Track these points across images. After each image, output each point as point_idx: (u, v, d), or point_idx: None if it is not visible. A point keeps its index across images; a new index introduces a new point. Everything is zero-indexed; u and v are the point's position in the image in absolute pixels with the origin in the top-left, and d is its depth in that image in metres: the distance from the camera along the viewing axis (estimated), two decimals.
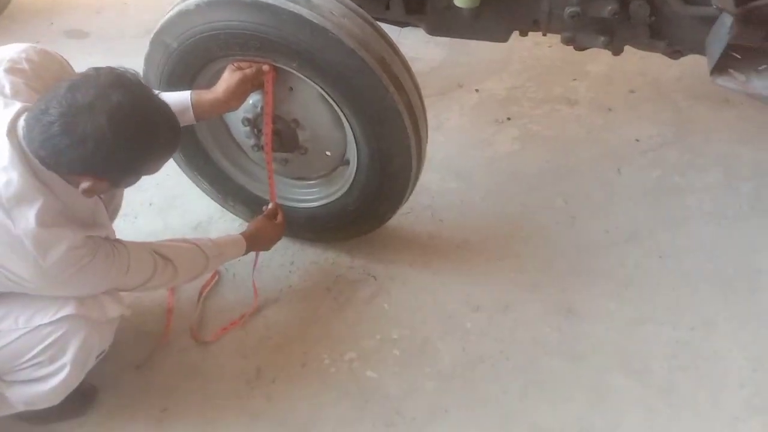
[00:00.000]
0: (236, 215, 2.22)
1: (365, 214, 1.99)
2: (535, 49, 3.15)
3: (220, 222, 2.28)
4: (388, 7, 2.24)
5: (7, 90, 1.38)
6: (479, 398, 1.79)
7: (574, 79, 2.98)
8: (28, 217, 1.29)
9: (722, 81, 1.92)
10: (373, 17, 2.31)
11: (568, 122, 2.75)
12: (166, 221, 2.31)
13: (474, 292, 2.05)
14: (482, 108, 2.84)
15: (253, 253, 1.97)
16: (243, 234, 1.90)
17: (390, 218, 2.04)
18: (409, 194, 1.97)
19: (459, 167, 2.52)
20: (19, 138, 1.30)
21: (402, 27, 2.43)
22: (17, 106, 1.33)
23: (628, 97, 2.89)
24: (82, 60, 3.21)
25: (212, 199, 2.20)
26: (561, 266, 2.14)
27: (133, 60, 3.09)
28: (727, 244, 2.20)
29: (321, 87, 1.71)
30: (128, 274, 1.52)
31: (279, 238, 2.00)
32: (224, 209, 2.23)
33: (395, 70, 1.69)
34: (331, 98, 1.73)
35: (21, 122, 1.31)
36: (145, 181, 2.39)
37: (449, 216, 2.32)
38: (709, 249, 2.18)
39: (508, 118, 2.77)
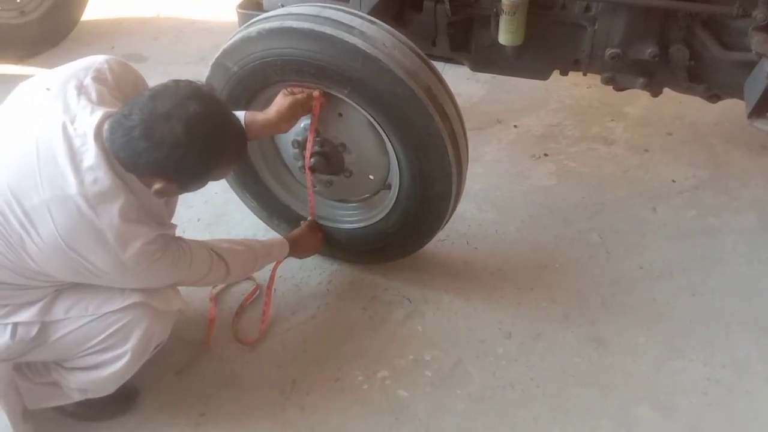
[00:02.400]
0: (280, 234, 2.30)
1: (403, 238, 2.06)
2: (573, 89, 3.23)
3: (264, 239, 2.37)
4: (434, 44, 2.35)
5: (94, 97, 1.49)
6: (508, 422, 1.82)
7: (612, 120, 3.04)
8: (112, 213, 1.39)
9: (760, 124, 1.97)
10: None
11: (605, 161, 2.80)
12: (212, 236, 2.41)
13: (506, 319, 2.09)
14: (520, 143, 2.92)
15: (292, 268, 2.05)
16: (287, 238, 2.06)
17: (427, 243, 2.10)
18: (447, 221, 2.04)
19: (495, 198, 2.58)
20: (104, 140, 1.41)
21: (446, 63, 2.53)
22: (102, 111, 1.45)
23: (665, 139, 2.94)
24: None
25: (258, 217, 2.29)
26: (593, 299, 2.17)
27: None
28: (761, 285, 2.21)
29: (369, 113, 1.81)
30: (190, 268, 1.63)
31: (317, 250, 2.16)
32: (269, 228, 2.32)
33: (440, 100, 1.78)
34: (379, 124, 1.82)
35: (106, 126, 1.42)
36: (194, 197, 2.57)
37: (484, 245, 2.37)
38: (742, 290, 2.19)
39: (545, 154, 2.83)
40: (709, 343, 2.02)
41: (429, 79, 1.77)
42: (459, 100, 3.14)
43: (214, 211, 2.53)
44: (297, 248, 2.05)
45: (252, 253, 1.87)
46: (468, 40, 2.34)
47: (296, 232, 2.11)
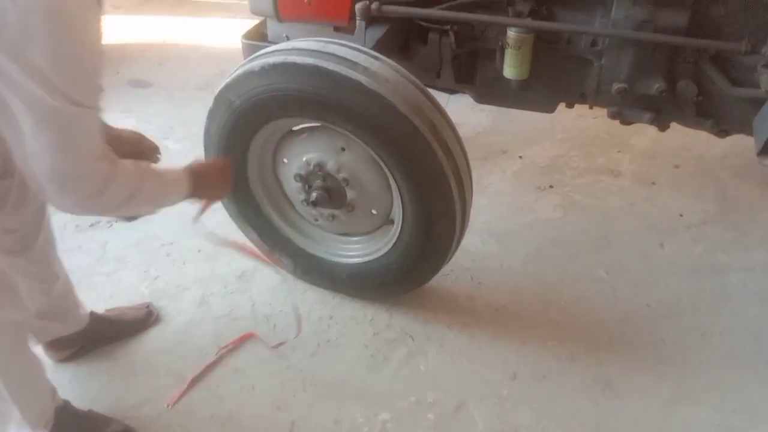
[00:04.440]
0: (280, 267, 2.27)
1: (406, 273, 2.02)
2: (579, 120, 3.21)
3: (264, 272, 2.33)
4: (439, 76, 2.33)
5: None
6: None
7: (618, 151, 3.02)
8: None
9: None
10: (424, 84, 2.45)
11: (611, 193, 2.77)
12: (213, 268, 2.38)
13: (511, 358, 2.04)
14: (525, 174, 2.88)
15: (293, 302, 2.00)
16: (186, 168, 1.66)
17: (430, 279, 2.06)
18: (451, 257, 2.00)
19: (500, 231, 2.55)
20: None
21: (451, 94, 2.51)
22: None
23: (672, 171, 2.91)
24: (145, 108, 3.42)
25: (259, 249, 2.26)
26: (600, 338, 2.12)
27: (192, 109, 3.29)
28: None
29: (372, 149, 1.78)
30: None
31: (225, 190, 1.87)
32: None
33: (445, 136, 1.75)
34: (382, 160, 1.80)
35: None
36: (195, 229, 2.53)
37: (488, 279, 2.33)
38: (753, 330, 2.14)
39: (551, 186, 2.80)
40: (719, 387, 1.96)
41: (433, 116, 1.74)
42: (463, 130, 3.15)
43: None
44: (198, 183, 1.65)
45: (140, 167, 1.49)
46: (473, 73, 2.32)
47: (197, 163, 1.73)
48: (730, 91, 1.98)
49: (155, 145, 1.86)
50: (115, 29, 4.36)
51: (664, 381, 1.98)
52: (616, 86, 2.07)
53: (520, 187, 2.80)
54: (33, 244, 1.69)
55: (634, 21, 1.93)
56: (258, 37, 2.34)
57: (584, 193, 2.76)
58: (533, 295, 2.27)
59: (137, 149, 1.78)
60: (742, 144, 2.56)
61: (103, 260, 2.42)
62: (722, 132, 2.19)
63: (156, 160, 1.84)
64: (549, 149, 3.05)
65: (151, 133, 3.11)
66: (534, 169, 2.91)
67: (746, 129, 2.06)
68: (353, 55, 1.70)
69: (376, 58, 1.73)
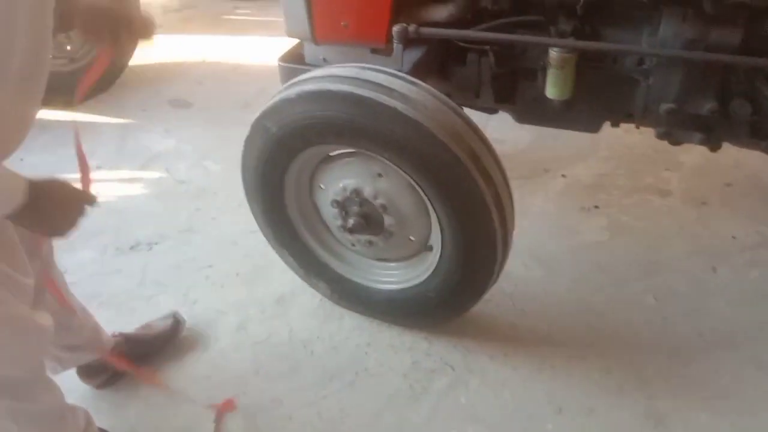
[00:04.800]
0: (317, 291, 2.24)
1: (445, 302, 1.97)
2: (624, 136, 3.09)
3: (302, 296, 2.31)
4: (478, 96, 2.28)
5: None
6: None
7: (667, 169, 2.90)
8: None
9: None
10: (462, 104, 2.40)
11: (660, 214, 2.66)
12: (251, 291, 2.36)
13: (556, 391, 1.96)
14: (569, 194, 2.80)
15: (330, 328, 1.95)
16: (33, 181, 1.21)
17: (471, 308, 2.00)
18: (492, 285, 1.94)
19: (543, 255, 2.47)
20: None
21: (491, 114, 2.45)
22: None
23: (723, 190, 2.78)
24: (185, 128, 3.45)
25: (296, 274, 2.23)
26: (650, 370, 2.02)
27: (231, 130, 3.28)
28: None
29: (410, 176, 1.74)
30: None
31: (63, 230, 1.27)
32: (307, 285, 2.25)
33: (485, 164, 1.69)
34: (420, 187, 1.75)
35: None
36: (234, 251, 2.53)
37: (532, 306, 2.25)
38: None
39: (596, 207, 2.71)
40: None
41: (473, 143, 1.68)
42: (503, 148, 3.10)
43: (254, 265, 2.48)
44: (36, 206, 1.18)
45: None
46: (513, 92, 2.26)
47: (51, 182, 1.25)
48: None
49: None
50: (156, 49, 4.43)
51: (718, 417, 1.87)
52: (664, 107, 1.97)
53: (564, 207, 2.72)
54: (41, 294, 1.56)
55: (683, 39, 1.84)
56: (295, 59, 2.33)
57: (631, 214, 2.65)
58: (579, 323, 2.18)
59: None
60: None
61: (143, 284, 2.43)
62: None
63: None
64: (593, 167, 2.95)
65: (190, 154, 3.21)
66: (578, 189, 2.82)
67: None
68: (389, 81, 1.66)
69: (413, 83, 1.68)
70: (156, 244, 2.62)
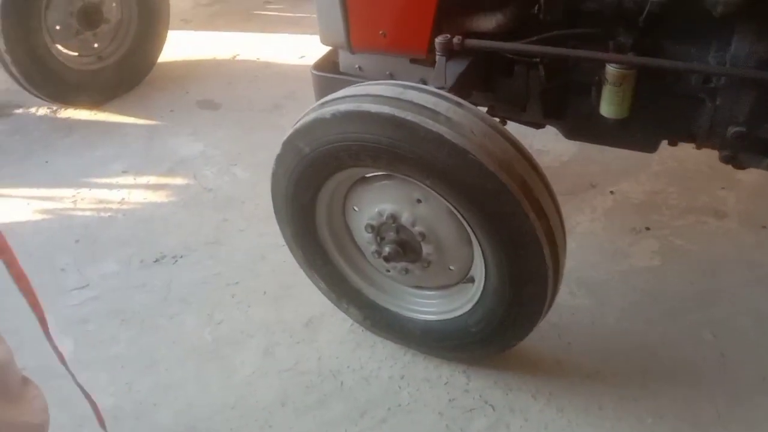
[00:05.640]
0: (348, 316, 2.11)
1: (488, 337, 1.83)
2: (677, 150, 2.86)
3: (332, 320, 2.19)
4: (524, 109, 2.12)
5: None
6: None
7: (723, 188, 2.70)
8: None
9: None
10: (507, 118, 2.24)
11: (716, 237, 2.47)
12: (279, 312, 2.25)
13: None
14: (617, 213, 2.62)
15: (361, 357, 1.82)
16: None
17: (515, 346, 1.85)
18: (540, 321, 1.79)
19: (590, 281, 2.30)
20: None
21: (537, 129, 2.29)
22: None
23: None
24: (213, 132, 3.35)
25: (327, 298, 2.11)
26: (707, 416, 1.85)
27: (261, 134, 3.18)
28: None
29: (453, 205, 1.59)
30: None
31: None
32: (338, 309, 2.13)
33: (536, 194, 1.54)
34: (463, 217, 1.61)
35: None
36: (261, 265, 2.42)
37: (579, 339, 2.10)
38: None
39: (647, 228, 2.52)
40: None
41: (524, 171, 1.53)
42: (546, 159, 2.93)
43: (282, 283, 2.36)
44: None
45: None
46: (563, 108, 2.09)
47: None
48: None
49: None
50: (185, 45, 4.33)
51: None
52: (732, 129, 1.79)
53: (613, 228, 2.54)
54: None
55: (758, 58, 1.66)
56: (329, 68, 2.19)
57: (685, 238, 2.47)
58: (629, 360, 2.02)
59: None
60: None
61: (168, 301, 2.33)
62: None
63: None
64: (644, 183, 2.76)
65: (218, 159, 3.10)
66: (627, 207, 2.64)
67: None
68: (434, 103, 1.51)
69: (459, 105, 1.53)
70: (181, 257, 2.51)
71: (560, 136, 2.89)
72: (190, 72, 4.02)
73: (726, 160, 1.96)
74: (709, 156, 2.74)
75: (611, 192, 2.72)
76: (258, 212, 2.68)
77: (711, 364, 2.00)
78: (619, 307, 2.19)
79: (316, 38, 2.12)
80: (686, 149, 2.88)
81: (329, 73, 2.17)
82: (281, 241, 2.05)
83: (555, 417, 1.86)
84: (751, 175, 2.74)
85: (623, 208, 2.64)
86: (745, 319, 2.14)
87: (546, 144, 2.96)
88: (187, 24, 4.74)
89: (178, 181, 2.99)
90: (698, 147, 2.03)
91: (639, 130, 1.98)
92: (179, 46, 4.28)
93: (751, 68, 1.67)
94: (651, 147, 2.08)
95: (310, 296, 2.23)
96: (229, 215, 2.73)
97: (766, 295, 2.22)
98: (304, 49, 4.05)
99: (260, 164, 2.93)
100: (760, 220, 2.54)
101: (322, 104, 1.66)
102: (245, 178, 2.95)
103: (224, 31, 4.61)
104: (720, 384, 1.94)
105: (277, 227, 2.00)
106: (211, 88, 3.81)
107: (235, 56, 4.23)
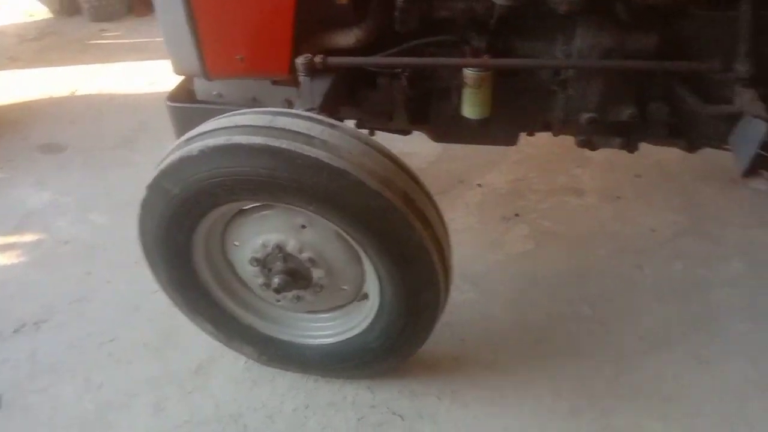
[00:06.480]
0: (242, 355, 2.02)
1: (389, 350, 1.82)
2: (532, 137, 3.07)
3: (223, 361, 2.07)
4: (391, 118, 2.14)
5: None
6: None
7: (578, 167, 2.90)
8: None
9: (755, 184, 1.85)
10: (376, 128, 2.25)
11: (579, 214, 2.65)
12: (164, 364, 2.09)
13: (511, 423, 1.87)
14: (487, 204, 2.73)
15: (261, 395, 1.74)
16: None
17: (416, 353, 1.86)
18: (436, 325, 1.81)
19: (473, 274, 2.37)
20: None
21: (405, 135, 2.33)
22: None
23: (634, 182, 2.82)
24: (61, 177, 3.06)
25: (216, 340, 1.99)
26: (598, 385, 1.97)
27: (114, 172, 2.96)
28: (764, 343, 2.06)
29: (340, 227, 1.56)
30: None
31: None
32: (229, 349, 2.02)
33: (420, 205, 1.55)
34: (351, 237, 1.58)
35: None
36: (136, 316, 2.25)
37: (471, 333, 2.15)
38: (746, 351, 2.05)
39: (516, 215, 2.65)
40: (727, 420, 1.86)
41: (405, 185, 1.54)
42: (416, 160, 2.98)
43: (162, 331, 2.20)
44: None
45: None
46: (428, 113, 2.14)
47: None
48: (704, 109, 1.87)
49: None
50: (15, 86, 3.94)
51: (671, 423, 1.86)
52: (585, 116, 1.93)
53: (485, 219, 2.64)
54: None
55: (601, 49, 1.79)
56: (185, 97, 2.09)
57: (552, 219, 2.62)
58: (522, 345, 2.11)
59: None
60: None
61: (35, 373, 2.08)
62: (694, 148, 2.10)
63: None
64: (507, 173, 2.90)
65: (71, 207, 2.84)
66: (496, 197, 2.76)
67: (721, 143, 1.96)
68: (307, 127, 1.48)
69: (333, 126, 1.51)
70: (44, 321, 2.26)
71: (425, 138, 2.96)
72: (25, 115, 3.64)
73: (582, 144, 2.10)
74: (561, 138, 2.96)
75: (479, 185, 2.83)
76: (124, 259, 2.46)
77: (594, 336, 2.13)
78: (503, 296, 2.28)
79: (165, 62, 2.00)
80: (540, 135, 3.08)
81: (187, 103, 2.06)
82: (155, 286, 1.90)
83: (462, 414, 1.90)
84: (600, 152, 2.96)
85: (492, 198, 2.76)
86: (615, 288, 2.31)
87: (412, 147, 3.00)
88: (14, 62, 4.32)
89: (29, 237, 2.70)
90: (555, 134, 2.16)
91: (500, 127, 2.07)
92: (9, 88, 3.88)
93: (595, 59, 1.80)
94: (512, 140, 2.19)
95: (195, 341, 2.10)
96: (92, 267, 2.50)
97: (630, 262, 2.41)
98: (151, 75, 3.83)
99: (118, 206, 2.73)
100: (614, 192, 2.76)
101: (188, 140, 1.56)
102: (104, 224, 2.72)
103: (58, 66, 4.25)
104: (605, 353, 2.07)
105: (149, 272, 1.86)
106: (51, 129, 3.49)
107: (74, 92, 3.91)
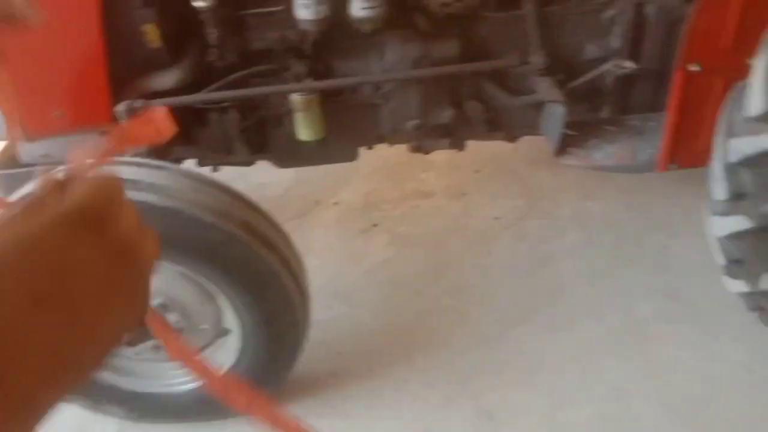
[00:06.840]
0: (114, 416, 1.94)
1: (261, 379, 1.82)
2: (378, 149, 3.19)
3: (95, 427, 1.98)
4: (230, 152, 2.16)
5: None
6: None
7: (423, 171, 3.06)
8: None
9: (567, 161, 2.05)
10: (217, 164, 2.26)
11: (430, 216, 2.79)
12: None
13: (392, 425, 1.94)
14: (345, 220, 2.81)
15: None
16: None
17: (288, 376, 1.89)
18: (303, 345, 1.84)
19: (340, 289, 2.44)
20: None
21: (249, 166, 2.35)
22: None
23: (475, 177, 3.01)
24: None
25: (81, 406, 1.91)
26: (467, 370, 2.10)
27: None
28: (608, 302, 2.29)
29: (184, 267, 1.57)
30: None
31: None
32: (101, 415, 1.94)
33: (262, 231, 1.59)
34: (200, 275, 1.59)
35: None
36: None
37: (345, 346, 2.21)
38: (592, 311, 2.26)
39: (374, 225, 2.75)
40: (586, 380, 2.03)
41: (243, 213, 1.57)
42: (271, 189, 3.01)
43: None
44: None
45: None
46: (266, 142, 2.18)
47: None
48: (511, 102, 2.07)
49: None
50: None
51: (537, 392, 2.01)
52: (410, 123, 2.07)
53: (346, 235, 2.72)
54: None
55: (409, 60, 1.93)
56: (10, 163, 1.98)
57: (407, 224, 2.75)
58: (394, 347, 2.19)
59: None
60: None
61: None
62: (513, 137, 2.30)
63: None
64: (360, 187, 3.00)
65: None
66: (353, 212, 2.85)
67: (535, 130, 2.16)
68: (132, 173, 1.47)
69: (159, 167, 1.52)
70: None
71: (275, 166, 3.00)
72: None
73: (415, 149, 2.24)
74: (404, 147, 3.11)
75: (335, 203, 2.91)
76: None
77: (458, 325, 2.26)
78: (371, 304, 2.37)
79: None
80: (385, 146, 3.22)
81: (12, 169, 1.96)
82: None
83: (344, 426, 1.95)
84: (441, 154, 3.13)
85: (349, 214, 2.84)
86: (471, 276, 2.46)
87: (263, 177, 3.04)
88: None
89: None
90: (391, 144, 2.28)
91: (337, 145, 2.16)
92: None
93: (407, 70, 1.94)
94: (352, 156, 2.29)
95: (59, 412, 1.99)
96: None
97: (480, 251, 2.58)
98: None
99: None
100: (459, 190, 2.93)
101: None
102: None
103: None
104: (468, 339, 2.20)
105: None
106: None
107: None
